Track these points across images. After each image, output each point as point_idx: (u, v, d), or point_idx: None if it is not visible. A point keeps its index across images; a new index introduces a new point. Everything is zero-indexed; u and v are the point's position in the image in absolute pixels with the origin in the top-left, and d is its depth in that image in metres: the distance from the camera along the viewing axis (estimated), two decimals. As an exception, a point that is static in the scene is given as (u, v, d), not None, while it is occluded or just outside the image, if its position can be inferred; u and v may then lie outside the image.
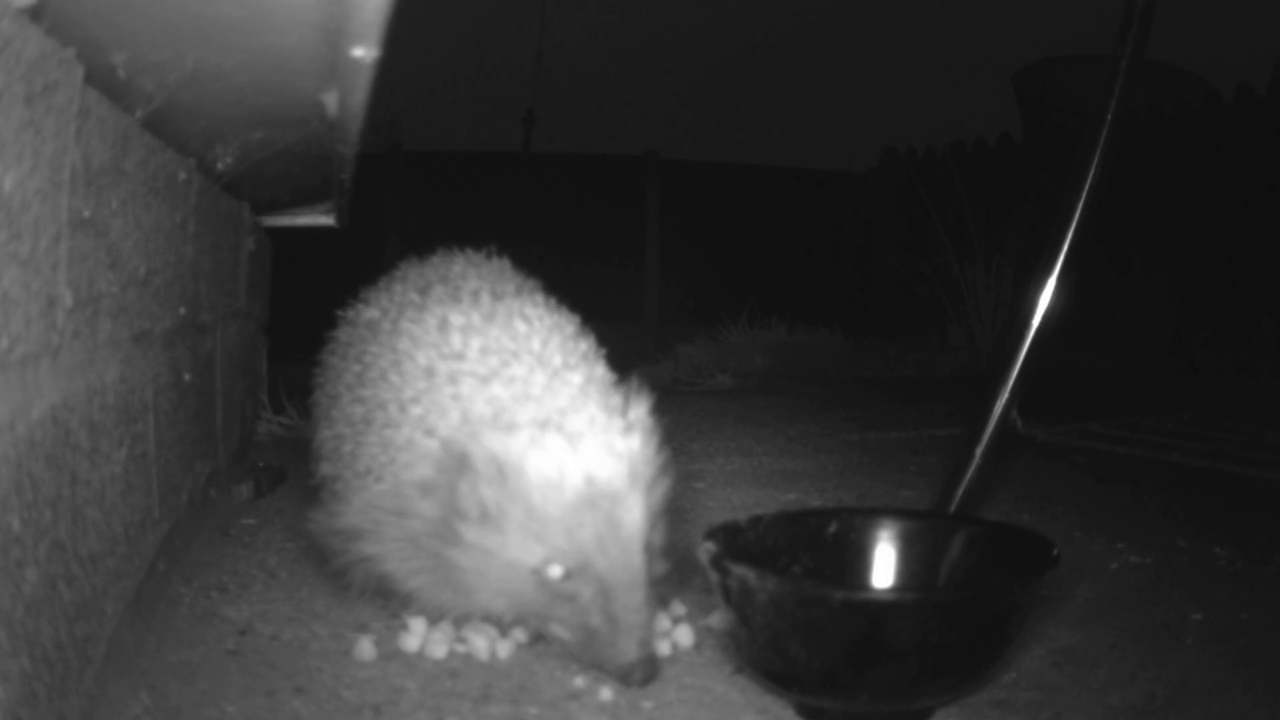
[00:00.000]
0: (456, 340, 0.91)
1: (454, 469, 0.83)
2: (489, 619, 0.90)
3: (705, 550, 0.79)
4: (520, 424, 0.83)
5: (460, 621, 0.91)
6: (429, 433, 0.87)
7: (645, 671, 0.81)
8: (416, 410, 0.89)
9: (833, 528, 0.90)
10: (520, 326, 0.92)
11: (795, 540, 0.89)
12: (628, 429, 0.85)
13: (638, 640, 0.81)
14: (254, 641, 0.92)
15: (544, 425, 0.83)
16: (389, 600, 0.97)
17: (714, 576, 0.77)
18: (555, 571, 0.82)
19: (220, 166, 1.32)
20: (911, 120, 5.45)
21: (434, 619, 0.92)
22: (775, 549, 0.88)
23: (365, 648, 0.88)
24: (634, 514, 0.82)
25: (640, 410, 0.87)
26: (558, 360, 0.90)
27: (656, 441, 0.87)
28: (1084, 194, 1.19)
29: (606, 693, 0.81)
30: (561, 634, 0.85)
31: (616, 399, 0.88)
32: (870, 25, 6.78)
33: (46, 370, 0.66)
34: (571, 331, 0.95)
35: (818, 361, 3.71)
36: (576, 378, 0.89)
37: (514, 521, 0.82)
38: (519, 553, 0.82)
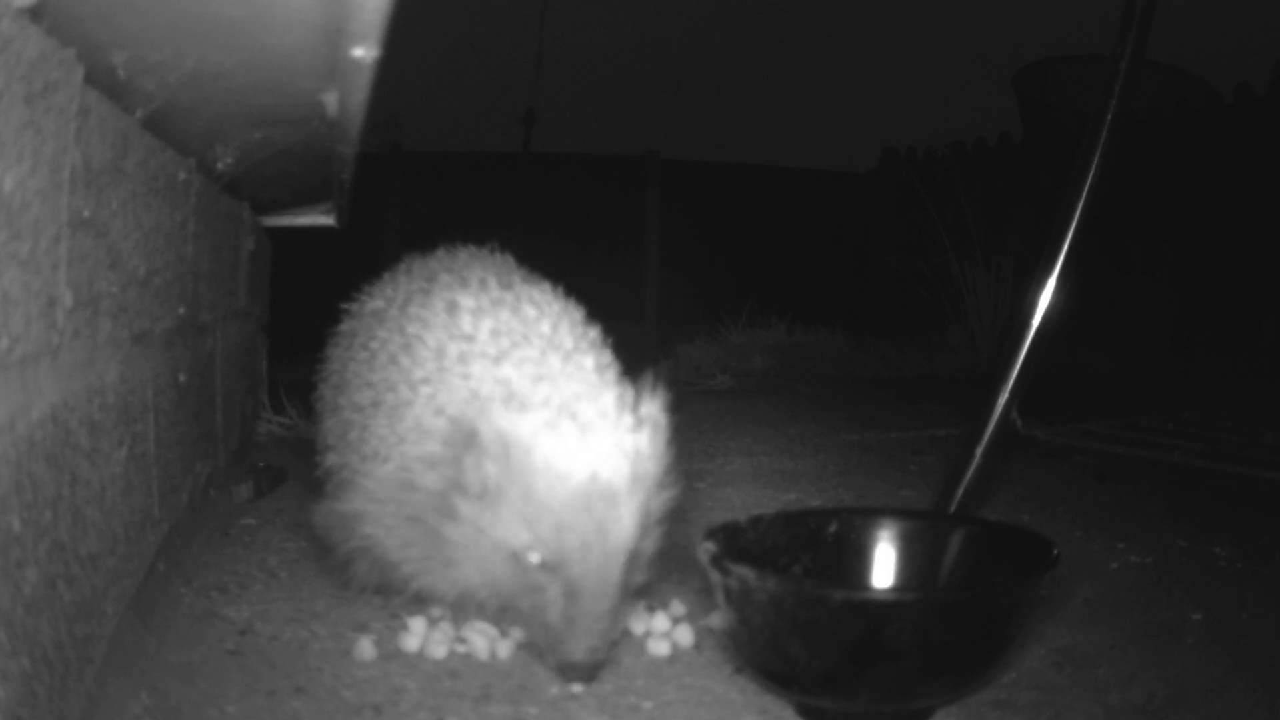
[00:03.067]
0: (466, 322, 0.91)
1: (461, 443, 0.83)
2: (483, 614, 0.90)
3: (705, 550, 0.78)
4: (532, 405, 0.83)
5: (460, 621, 0.91)
6: (438, 412, 0.87)
7: (582, 675, 0.81)
8: (427, 390, 0.89)
9: (833, 528, 0.90)
10: (530, 310, 0.92)
11: (795, 540, 0.89)
12: (638, 425, 0.84)
13: (588, 646, 0.80)
14: (254, 641, 0.92)
15: (557, 410, 0.82)
16: (389, 600, 0.97)
17: (714, 576, 0.77)
18: (533, 558, 0.82)
19: (220, 166, 1.32)
20: (911, 120, 5.44)
21: (431, 613, 0.92)
22: (775, 549, 0.88)
23: (365, 648, 0.88)
24: (625, 521, 0.81)
25: (653, 407, 0.86)
26: (569, 344, 0.90)
27: (666, 441, 0.86)
28: (1084, 194, 1.19)
29: (607, 693, 0.81)
30: (522, 616, 0.85)
31: (630, 392, 0.87)
32: (870, 25, 6.78)
33: (46, 370, 0.66)
34: (579, 318, 0.95)
35: (818, 361, 3.71)
36: (589, 362, 0.89)
37: (509, 502, 0.81)
38: (506, 534, 0.82)
